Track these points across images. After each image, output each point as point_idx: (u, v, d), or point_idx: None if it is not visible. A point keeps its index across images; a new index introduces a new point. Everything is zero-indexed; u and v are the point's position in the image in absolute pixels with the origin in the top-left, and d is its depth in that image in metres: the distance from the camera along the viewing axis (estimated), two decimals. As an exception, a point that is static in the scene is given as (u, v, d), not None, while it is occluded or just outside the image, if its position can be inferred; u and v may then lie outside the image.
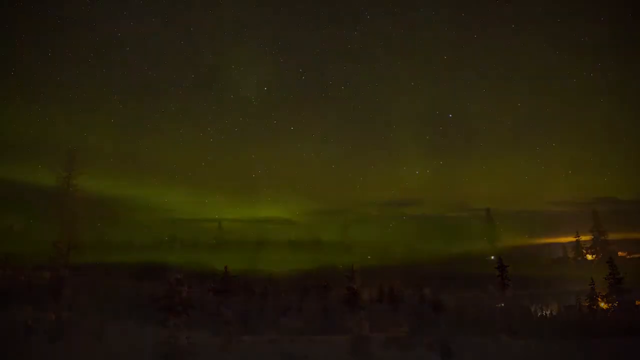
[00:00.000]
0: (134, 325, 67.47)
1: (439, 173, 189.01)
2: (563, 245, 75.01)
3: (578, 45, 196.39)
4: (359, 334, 39.60)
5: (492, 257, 54.62)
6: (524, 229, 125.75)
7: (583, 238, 57.59)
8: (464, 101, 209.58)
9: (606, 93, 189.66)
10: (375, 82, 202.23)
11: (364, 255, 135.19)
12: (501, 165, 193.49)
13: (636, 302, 57.63)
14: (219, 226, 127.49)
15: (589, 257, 56.08)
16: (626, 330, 45.47)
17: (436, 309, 47.63)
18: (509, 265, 55.09)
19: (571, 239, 59.45)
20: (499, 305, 56.14)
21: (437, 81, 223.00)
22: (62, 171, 37.42)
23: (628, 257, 66.82)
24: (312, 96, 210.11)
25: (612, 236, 54.25)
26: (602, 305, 56.13)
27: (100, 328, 40.59)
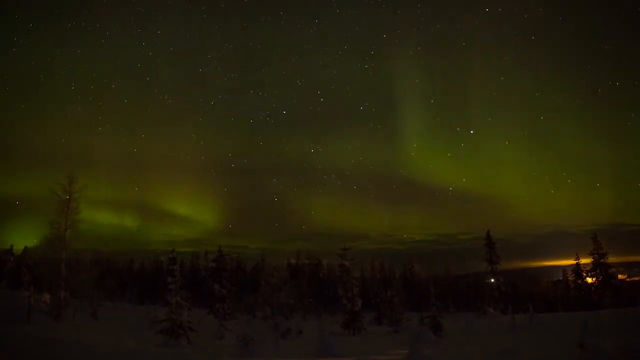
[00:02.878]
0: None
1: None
2: (563, 267, 76.53)
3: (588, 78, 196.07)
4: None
5: (492, 280, 55.53)
6: (524, 251, 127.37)
7: (583, 261, 58.26)
8: (458, 141, 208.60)
9: (611, 118, 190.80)
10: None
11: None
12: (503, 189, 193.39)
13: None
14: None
15: (589, 280, 56.74)
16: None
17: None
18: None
19: (571, 261, 60.23)
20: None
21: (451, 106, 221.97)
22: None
23: (628, 279, 68.05)
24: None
25: (612, 259, 54.90)
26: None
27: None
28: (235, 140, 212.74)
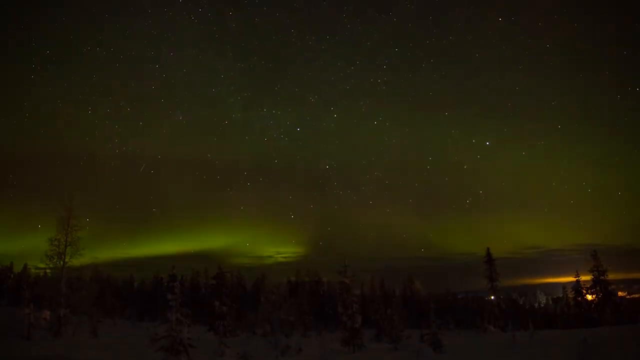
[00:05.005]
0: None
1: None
2: (563, 285, 76.42)
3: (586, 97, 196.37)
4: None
5: (492, 298, 55.56)
6: (525, 269, 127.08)
7: (583, 278, 58.17)
8: (474, 153, 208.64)
9: (610, 140, 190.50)
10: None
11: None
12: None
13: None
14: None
15: (589, 297, 56.59)
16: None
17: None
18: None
19: (571, 278, 60.12)
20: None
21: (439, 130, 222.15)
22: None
23: (628, 296, 67.88)
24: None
25: (612, 276, 54.79)
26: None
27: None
28: (250, 158, 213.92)
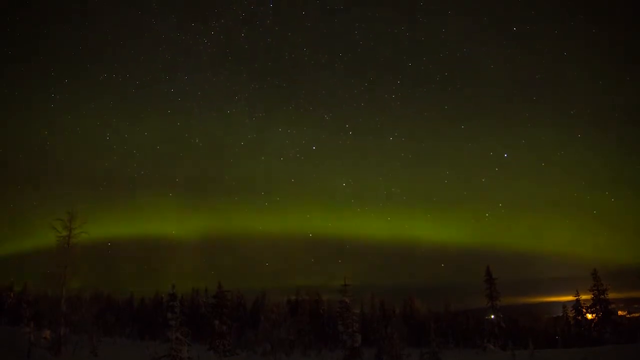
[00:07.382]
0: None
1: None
2: (563, 304, 76.23)
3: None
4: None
5: (492, 317, 55.58)
6: (525, 287, 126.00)
7: (583, 297, 57.98)
8: (491, 165, 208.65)
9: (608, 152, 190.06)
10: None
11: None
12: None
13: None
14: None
15: (589, 316, 56.45)
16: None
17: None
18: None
19: (571, 297, 59.97)
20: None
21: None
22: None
23: (628, 315, 67.49)
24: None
25: (612, 295, 54.69)
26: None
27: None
28: (267, 179, 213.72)
